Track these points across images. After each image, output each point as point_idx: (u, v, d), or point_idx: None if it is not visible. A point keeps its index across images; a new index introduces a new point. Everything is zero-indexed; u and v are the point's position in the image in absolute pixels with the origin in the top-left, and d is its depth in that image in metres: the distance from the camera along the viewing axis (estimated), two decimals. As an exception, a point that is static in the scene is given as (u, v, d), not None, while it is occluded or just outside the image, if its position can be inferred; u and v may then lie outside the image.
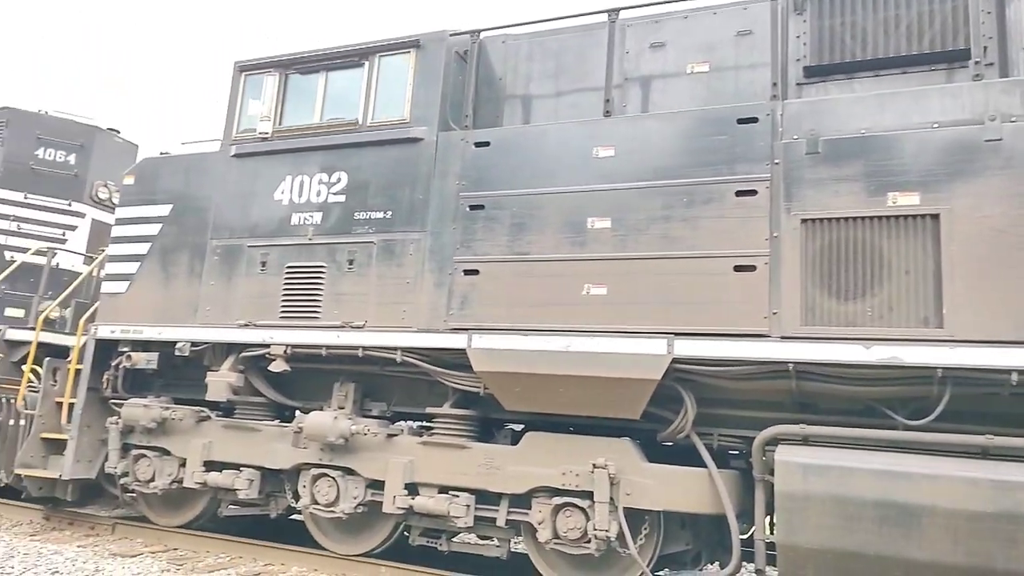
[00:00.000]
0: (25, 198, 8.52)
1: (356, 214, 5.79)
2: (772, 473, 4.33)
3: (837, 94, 4.88)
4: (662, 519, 4.90)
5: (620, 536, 4.72)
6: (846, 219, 4.37)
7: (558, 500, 4.92)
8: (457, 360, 5.26)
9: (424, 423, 5.96)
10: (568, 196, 5.07)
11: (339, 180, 5.92)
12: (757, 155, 4.64)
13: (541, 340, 4.87)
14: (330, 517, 5.60)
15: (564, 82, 6.05)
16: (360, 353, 5.52)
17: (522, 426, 5.57)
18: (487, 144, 5.46)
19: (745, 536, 5.09)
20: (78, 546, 6.16)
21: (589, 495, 4.79)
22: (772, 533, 4.76)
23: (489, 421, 5.59)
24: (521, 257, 5.11)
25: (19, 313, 8.25)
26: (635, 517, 4.81)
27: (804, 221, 4.46)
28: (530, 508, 5.05)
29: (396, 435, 5.58)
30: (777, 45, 4.93)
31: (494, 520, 5.17)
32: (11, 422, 7.24)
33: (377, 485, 5.50)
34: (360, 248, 5.72)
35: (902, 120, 4.39)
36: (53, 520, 6.92)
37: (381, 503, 5.39)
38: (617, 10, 5.48)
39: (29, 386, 7.20)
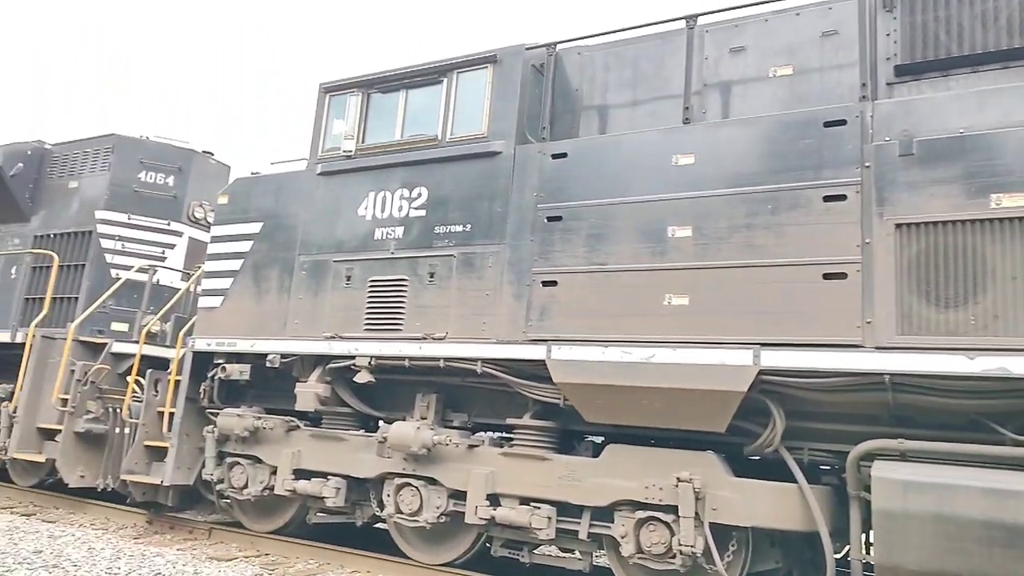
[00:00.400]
0: (129, 219, 9.07)
1: (436, 228, 5.90)
2: (868, 490, 4.14)
3: (931, 93, 4.66)
4: (750, 536, 4.75)
5: (706, 552, 4.61)
6: (944, 223, 4.16)
7: (641, 514, 4.84)
8: (536, 371, 5.27)
9: (504, 434, 6.00)
10: (647, 205, 5.02)
11: (420, 195, 6.05)
12: (846, 159, 4.48)
13: (622, 351, 4.83)
14: (413, 526, 5.70)
15: (641, 91, 6.01)
16: (441, 364, 5.60)
17: (602, 438, 5.53)
18: (564, 155, 5.48)
19: (839, 556, 4.88)
20: (178, 549, 6.47)
21: (673, 509, 4.70)
22: (869, 553, 4.55)
23: (569, 433, 5.57)
24: (600, 267, 5.09)
25: (124, 327, 8.77)
26: (722, 533, 4.68)
27: (899, 226, 4.26)
28: (612, 521, 4.99)
29: (477, 446, 5.63)
30: (866, 44, 4.76)
31: (576, 533, 5.14)
32: (116, 430, 7.69)
33: (459, 495, 5.56)
34: (440, 261, 5.82)
35: (1005, 118, 4.15)
36: (155, 524, 7.29)
37: (463, 513, 5.45)
38: (695, 16, 5.41)
39: (133, 396, 7.63)
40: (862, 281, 4.28)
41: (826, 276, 4.38)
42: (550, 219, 5.38)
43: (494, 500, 5.40)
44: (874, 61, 4.82)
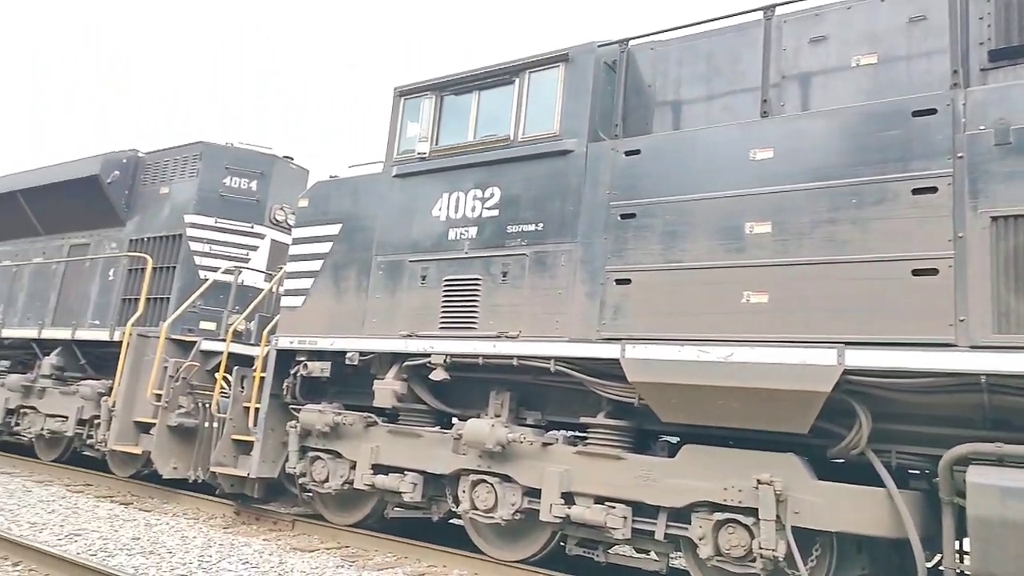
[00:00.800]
0: (215, 222, 9.50)
1: (509, 227, 5.95)
2: (962, 496, 3.95)
3: (1031, 77, 4.40)
4: (835, 541, 4.61)
5: (788, 557, 4.49)
6: (1047, 215, 3.93)
7: (719, 516, 4.76)
8: (610, 370, 5.24)
9: (577, 433, 5.99)
10: (724, 201, 4.93)
11: (492, 195, 6.11)
12: (936, 149, 4.28)
13: (698, 350, 4.75)
14: (489, 523, 5.76)
15: (716, 85, 5.90)
16: (515, 362, 5.65)
17: (677, 438, 5.46)
18: (637, 152, 5.43)
19: (931, 564, 4.67)
20: (263, 539, 6.73)
21: (753, 512, 4.60)
22: (963, 562, 4.34)
23: (644, 432, 5.53)
24: (675, 265, 5.03)
25: (211, 326, 9.18)
26: (804, 537, 4.55)
27: (995, 219, 4.05)
28: (689, 522, 4.93)
29: (551, 444, 5.65)
30: (957, 29, 4.53)
31: (652, 533, 5.09)
32: (206, 424, 8.06)
33: (534, 493, 5.59)
34: (513, 260, 5.86)
35: (1115, 101, 3.89)
36: (242, 515, 7.61)
37: (538, 511, 5.48)
38: (773, 6, 5.27)
39: (221, 392, 7.98)
40: (955, 277, 4.08)
41: (915, 272, 4.19)
42: (623, 216, 5.34)
43: (568, 498, 5.41)
44: (966, 47, 4.59)
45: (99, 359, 9.60)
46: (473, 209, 6.19)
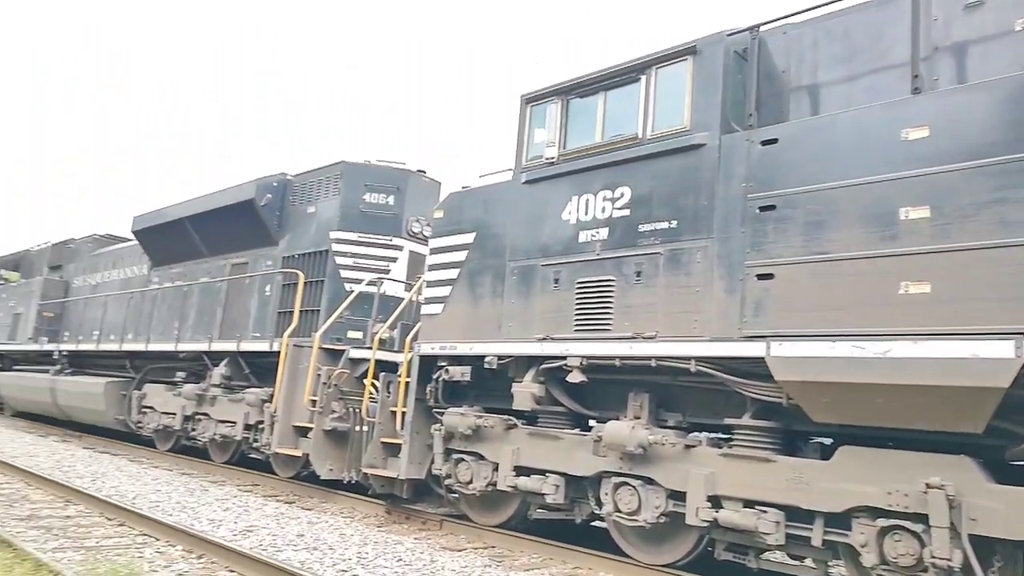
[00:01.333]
0: (358, 237, 10.06)
1: (641, 226, 5.89)
2: None
3: None
4: (1023, 553, 4.19)
5: (965, 567, 4.14)
6: None
7: (883, 522, 4.46)
8: (754, 369, 5.06)
9: (721, 435, 5.82)
10: (873, 186, 4.63)
11: (622, 195, 6.07)
12: None
13: (852, 345, 4.48)
14: (632, 525, 5.71)
15: (857, 65, 5.56)
16: (653, 363, 5.57)
17: (830, 440, 5.18)
18: (774, 141, 5.21)
19: None
20: (415, 538, 7.03)
21: (922, 518, 4.28)
22: None
23: (793, 433, 5.28)
24: (821, 257, 4.77)
25: (358, 335, 9.71)
26: (983, 546, 4.18)
27: None
28: (849, 528, 4.65)
29: (694, 446, 5.52)
30: None
31: (807, 539, 4.86)
32: (357, 428, 8.53)
33: (678, 496, 5.49)
34: (647, 260, 5.79)
35: None
36: (393, 514, 7.98)
37: (682, 514, 5.37)
38: (920, -26, 4.90)
39: (370, 397, 8.42)
40: None
41: (1107, 252, 3.75)
42: (762, 209, 5.14)
43: (715, 502, 5.26)
44: None
45: (261, 368, 10.40)
46: (603, 210, 6.17)
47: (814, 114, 5.66)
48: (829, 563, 5.07)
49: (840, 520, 4.72)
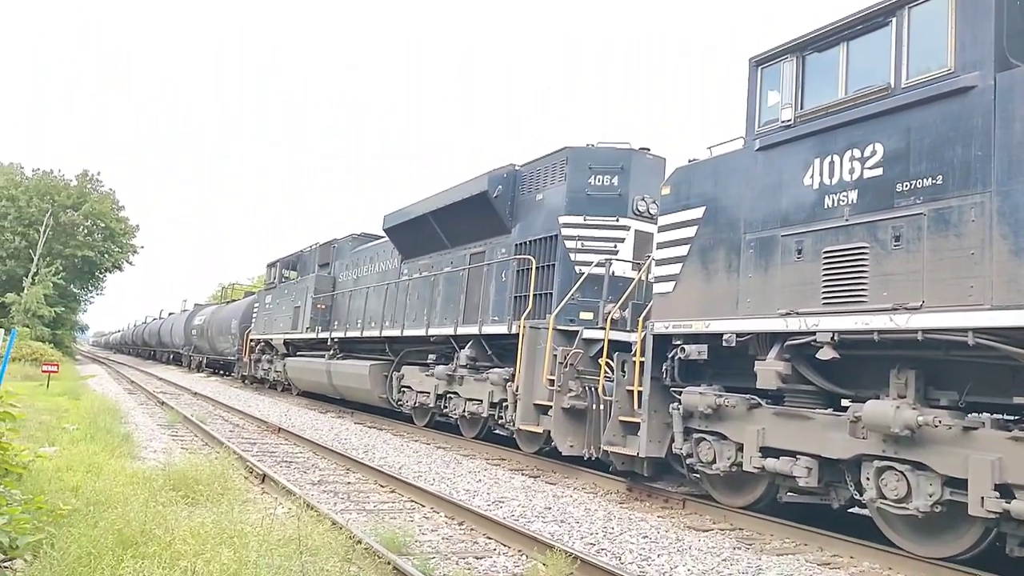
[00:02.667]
0: (584, 220, 10.22)
1: (897, 186, 5.32)
2: None
3: None
4: None
5: None
6: None
7: None
8: (1053, 340, 4.35)
9: (1006, 416, 5.10)
10: None
11: (873, 153, 5.52)
12: None
13: None
14: (902, 514, 5.22)
15: None
16: (919, 337, 5.02)
17: None
18: (1070, 72, 4.42)
19: None
20: (658, 516, 7.05)
21: None
22: None
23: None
24: None
25: (589, 316, 9.88)
26: None
27: None
28: None
29: (975, 428, 4.90)
30: None
31: None
32: (594, 407, 8.72)
33: (956, 483, 4.92)
34: (906, 222, 5.22)
35: None
36: (634, 492, 8.06)
37: (962, 503, 4.80)
38: None
39: (605, 376, 8.56)
40: None
41: None
42: (1056, 154, 4.39)
43: (1005, 491, 4.63)
44: None
45: (502, 349, 11.03)
46: (851, 171, 5.66)
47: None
48: None
49: None
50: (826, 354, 5.67)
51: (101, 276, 43.78)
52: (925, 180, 5.14)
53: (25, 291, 33.31)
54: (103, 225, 40.57)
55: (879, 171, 5.45)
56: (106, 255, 41.06)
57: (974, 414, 5.16)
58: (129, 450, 8.56)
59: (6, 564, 3.81)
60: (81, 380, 22.64)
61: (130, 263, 43.18)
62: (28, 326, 31.05)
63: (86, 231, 40.34)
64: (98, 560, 3.60)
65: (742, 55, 6.80)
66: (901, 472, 5.19)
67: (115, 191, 41.78)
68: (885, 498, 5.29)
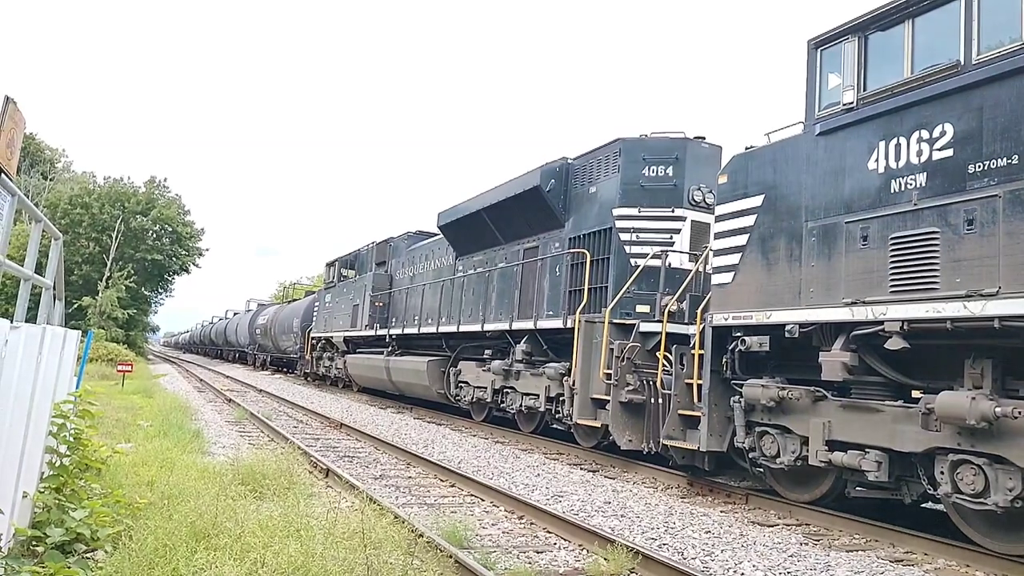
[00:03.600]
0: (639, 211, 10.09)
1: (969, 167, 5.09)
2: None
3: None
4: None
5: None
6: None
7: None
8: None
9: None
10: None
11: (943, 133, 5.29)
12: None
13: None
14: (979, 509, 5.01)
15: None
16: (996, 325, 4.80)
17: None
18: None
19: None
20: (721, 511, 6.93)
21: None
22: None
23: None
24: None
25: (646, 309, 9.77)
26: None
27: None
28: None
29: (1059, 420, 4.66)
30: None
31: None
32: (652, 400, 8.62)
33: (1039, 478, 4.68)
34: (980, 205, 4.99)
35: None
36: (695, 486, 7.94)
37: (1047, 499, 4.57)
38: None
39: (663, 370, 8.45)
40: None
41: None
42: None
43: (1093, 486, 4.39)
44: None
45: (557, 344, 11.00)
46: (919, 153, 5.44)
47: None
48: None
49: None
50: (895, 344, 5.47)
51: (170, 278, 45.52)
52: (1000, 160, 4.90)
53: (100, 294, 34.91)
54: (171, 229, 42.13)
55: (949, 152, 5.23)
56: (174, 258, 42.68)
57: (1057, 405, 4.91)
58: (200, 446, 8.88)
59: (88, 555, 4.00)
60: (153, 379, 23.59)
61: (196, 265, 44.75)
62: (103, 328, 32.55)
63: (155, 235, 41.97)
64: (173, 552, 3.75)
65: (800, 38, 6.59)
66: (978, 466, 4.97)
67: (181, 196, 43.39)
68: (961, 493, 5.08)
